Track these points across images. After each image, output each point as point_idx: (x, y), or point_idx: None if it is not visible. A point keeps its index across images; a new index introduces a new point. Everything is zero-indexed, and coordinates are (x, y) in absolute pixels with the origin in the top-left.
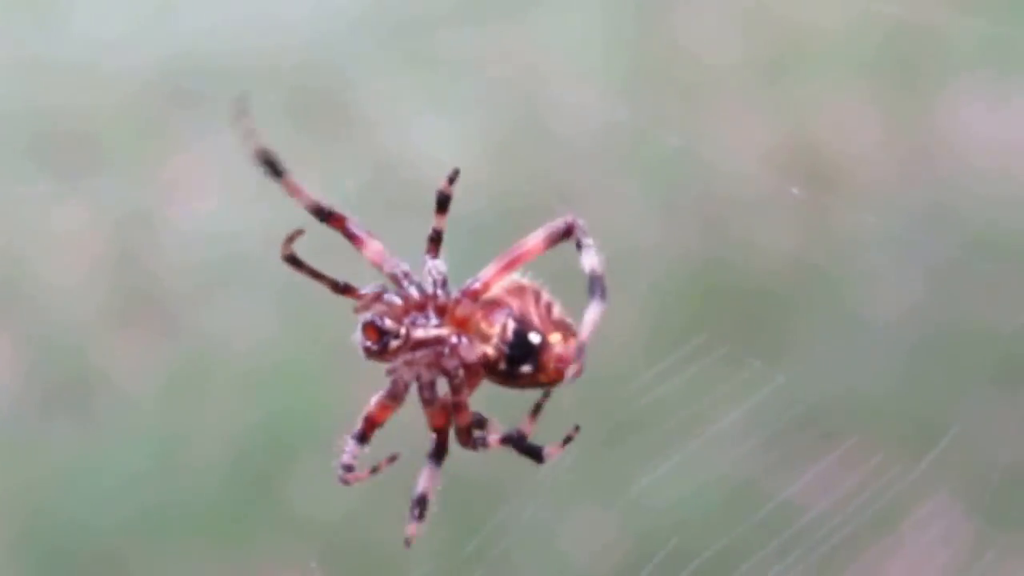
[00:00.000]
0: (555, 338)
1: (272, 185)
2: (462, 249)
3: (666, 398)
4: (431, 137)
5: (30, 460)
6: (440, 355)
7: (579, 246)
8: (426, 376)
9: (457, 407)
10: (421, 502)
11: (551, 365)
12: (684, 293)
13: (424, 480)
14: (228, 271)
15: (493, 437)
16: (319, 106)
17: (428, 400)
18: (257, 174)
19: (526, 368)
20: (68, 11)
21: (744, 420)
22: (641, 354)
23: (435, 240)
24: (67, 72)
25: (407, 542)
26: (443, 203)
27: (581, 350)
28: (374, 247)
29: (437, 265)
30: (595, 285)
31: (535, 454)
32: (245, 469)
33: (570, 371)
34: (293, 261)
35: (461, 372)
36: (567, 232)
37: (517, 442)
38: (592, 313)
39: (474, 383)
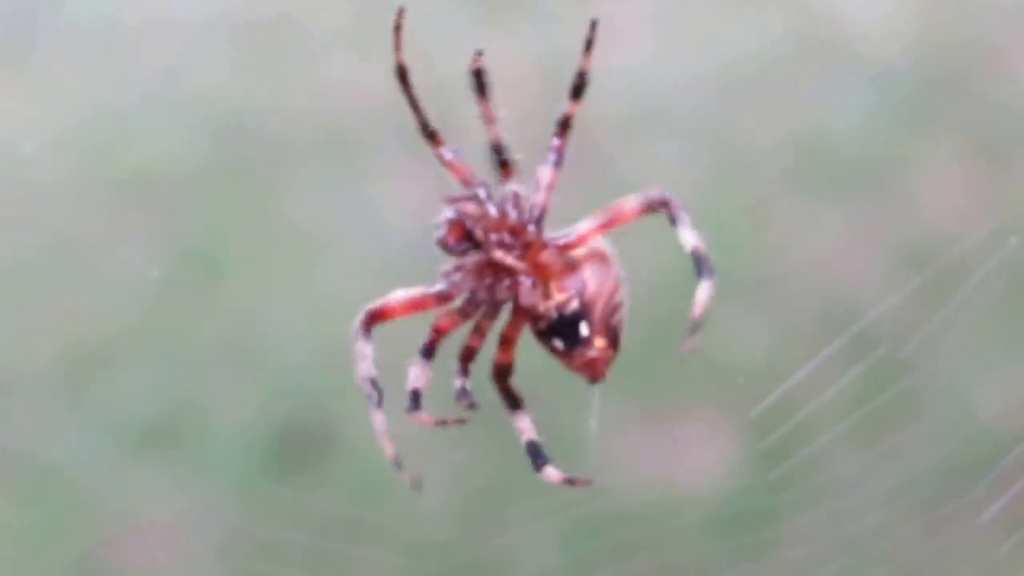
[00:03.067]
0: (599, 343)
1: (701, 37)
2: (884, 102)
3: None
4: None
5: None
6: (500, 284)
7: (673, 221)
8: (480, 294)
9: (504, 344)
10: (415, 396)
11: (577, 361)
12: None
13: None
14: (653, 119)
15: (521, 423)
16: None
17: (468, 315)
18: (690, 25)
19: (557, 343)
20: None
21: None
22: None
23: (499, 153)
24: None
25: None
26: (482, 89)
27: (696, 329)
28: (463, 168)
29: (526, 194)
30: (700, 263)
31: (538, 459)
32: None
33: (597, 376)
34: (403, 76)
35: (507, 307)
36: (662, 203)
37: (531, 445)
38: (703, 292)
39: (518, 324)
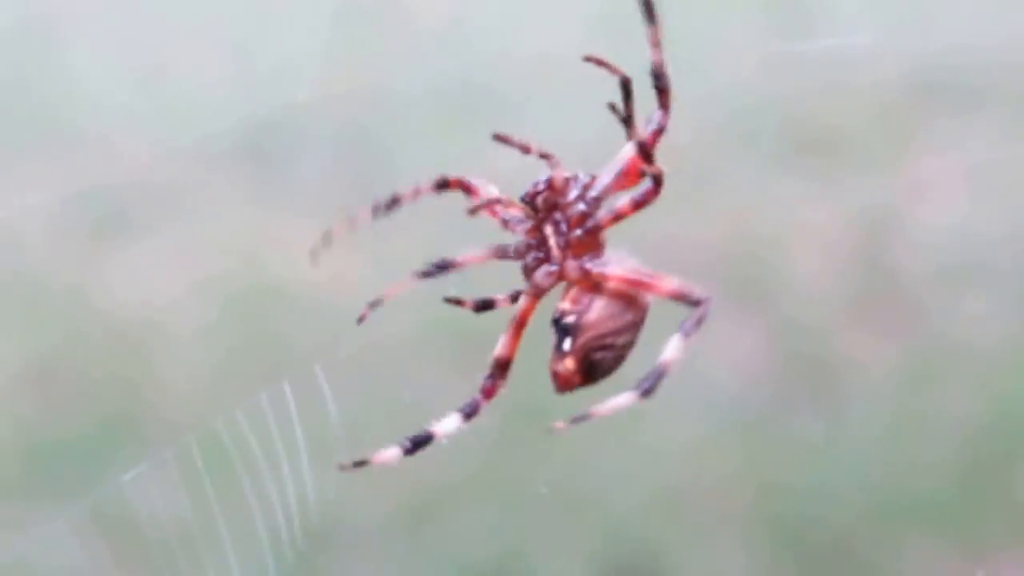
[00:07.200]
0: (570, 364)
1: (1015, 192)
2: None
3: None
4: None
5: (766, 439)
6: (534, 252)
7: (685, 329)
8: (521, 247)
9: (515, 327)
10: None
11: (553, 364)
12: None
13: None
14: (971, 272)
15: (451, 420)
16: None
17: (506, 256)
18: (1003, 180)
19: (553, 337)
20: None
21: None
22: None
23: (658, 79)
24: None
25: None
26: (651, 14)
27: (582, 418)
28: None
29: (613, 204)
30: (655, 378)
31: (417, 444)
32: (975, 461)
33: (559, 388)
34: (625, 87)
35: (528, 274)
36: (695, 303)
37: (428, 435)
38: (623, 399)
39: (531, 303)
